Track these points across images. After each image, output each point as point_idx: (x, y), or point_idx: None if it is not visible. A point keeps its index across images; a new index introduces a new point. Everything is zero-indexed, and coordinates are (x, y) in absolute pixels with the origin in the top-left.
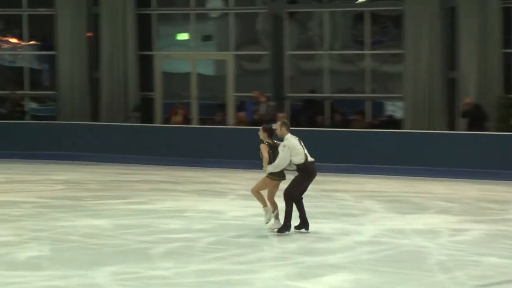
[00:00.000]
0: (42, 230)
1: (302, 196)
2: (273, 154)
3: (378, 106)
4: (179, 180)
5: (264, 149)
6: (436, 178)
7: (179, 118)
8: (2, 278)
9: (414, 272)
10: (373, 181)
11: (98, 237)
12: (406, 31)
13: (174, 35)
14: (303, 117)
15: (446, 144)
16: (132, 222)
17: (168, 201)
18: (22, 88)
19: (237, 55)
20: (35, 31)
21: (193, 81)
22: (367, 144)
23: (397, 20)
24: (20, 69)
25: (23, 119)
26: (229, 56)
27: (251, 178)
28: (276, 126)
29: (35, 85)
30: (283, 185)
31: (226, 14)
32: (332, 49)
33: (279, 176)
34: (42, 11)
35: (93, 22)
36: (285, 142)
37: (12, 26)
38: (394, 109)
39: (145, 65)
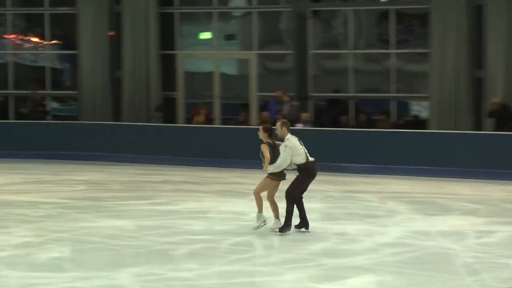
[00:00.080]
0: (63, 231)
1: (302, 196)
2: (274, 154)
3: (403, 106)
4: (201, 181)
5: (265, 149)
6: (462, 179)
7: (201, 118)
8: (23, 279)
9: (439, 275)
10: (397, 182)
11: (120, 238)
12: (432, 29)
13: (196, 34)
14: (327, 117)
15: (472, 144)
16: (154, 223)
17: (190, 202)
18: (43, 88)
19: (260, 54)
20: (56, 30)
21: (216, 81)
22: (392, 145)
23: (422, 18)
24: (42, 68)
25: (45, 119)
26: (252, 55)
27: None
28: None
29: (56, 84)
30: (283, 186)
31: (249, 12)
32: (356, 48)
33: (280, 176)
34: (64, 10)
35: (115, 21)
36: (286, 143)
37: (34, 25)
38: (420, 109)
39: (167, 64)
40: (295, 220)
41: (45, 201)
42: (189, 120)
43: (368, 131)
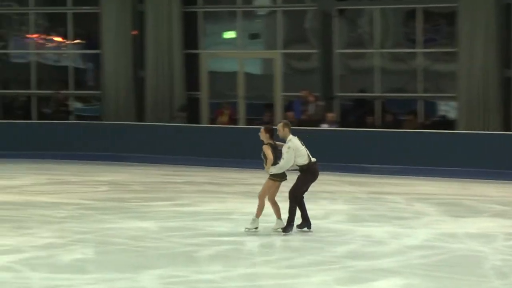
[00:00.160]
0: (86, 232)
1: (303, 196)
2: (275, 155)
3: (430, 106)
4: (225, 182)
5: (268, 150)
6: (491, 180)
7: (225, 118)
8: (47, 280)
9: (467, 278)
10: (425, 183)
11: (143, 239)
12: (460, 28)
13: (220, 33)
14: (353, 118)
15: (501, 145)
16: (177, 224)
17: (214, 203)
18: (66, 88)
19: (285, 54)
20: (79, 30)
21: (240, 81)
22: (419, 146)
23: (450, 17)
24: (65, 68)
25: (68, 119)
26: (277, 55)
27: None
28: (278, 127)
29: (79, 84)
30: (282, 186)
31: (274, 11)
32: (383, 47)
33: (282, 177)
34: (87, 9)
35: (138, 20)
36: (289, 144)
37: (56, 24)
38: (447, 109)
39: (191, 64)
40: (295, 220)
41: (68, 202)
42: (212, 120)
43: (394, 131)
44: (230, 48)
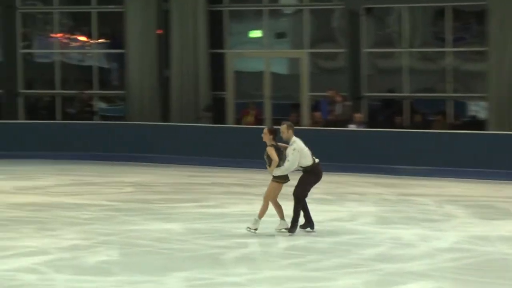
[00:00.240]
0: (111, 234)
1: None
2: (279, 157)
3: (460, 106)
4: (252, 183)
5: (272, 152)
6: None
7: (250, 118)
8: (71, 282)
9: (499, 281)
10: (455, 184)
11: (169, 241)
12: (490, 27)
13: (246, 33)
14: (381, 118)
15: None
16: (203, 226)
17: (241, 204)
18: (91, 88)
19: (312, 53)
20: (104, 29)
21: (266, 80)
22: (449, 146)
23: (480, 15)
24: (89, 68)
25: (92, 120)
26: (303, 54)
27: (329, 181)
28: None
29: (104, 84)
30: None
31: (301, 10)
32: (411, 46)
33: (285, 178)
34: (111, 8)
35: (163, 19)
36: (294, 146)
37: (81, 23)
38: (477, 109)
39: (217, 63)
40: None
41: (92, 203)
42: (238, 120)
43: (423, 132)
44: (256, 48)
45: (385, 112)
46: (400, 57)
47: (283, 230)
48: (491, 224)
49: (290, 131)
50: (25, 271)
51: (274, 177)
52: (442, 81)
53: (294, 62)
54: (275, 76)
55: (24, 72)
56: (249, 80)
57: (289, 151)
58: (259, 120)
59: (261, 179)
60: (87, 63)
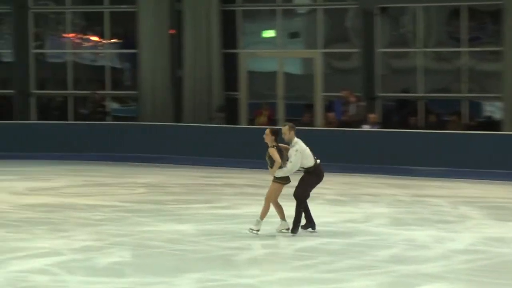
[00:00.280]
0: (124, 235)
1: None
2: (282, 158)
3: (475, 107)
4: (265, 184)
5: (275, 153)
6: None
7: (263, 119)
8: (83, 284)
9: None
10: (470, 186)
11: (181, 242)
12: (506, 27)
13: (259, 32)
14: (395, 118)
15: None
16: (216, 227)
17: (253, 205)
18: (103, 88)
19: (325, 53)
20: (116, 29)
21: (280, 80)
22: (464, 147)
23: (495, 15)
24: (101, 68)
25: (105, 120)
26: (317, 54)
27: (343, 182)
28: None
29: (116, 84)
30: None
31: (314, 10)
32: (426, 46)
33: (287, 180)
34: (124, 8)
35: (176, 19)
36: (296, 147)
37: (93, 23)
38: (493, 109)
39: (230, 63)
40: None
41: (105, 204)
42: (251, 121)
43: (438, 132)
44: (270, 48)
45: (399, 113)
46: (414, 57)
47: (284, 230)
48: (506, 225)
49: (292, 132)
50: (37, 272)
51: (276, 178)
52: (457, 81)
53: (307, 62)
54: (289, 76)
55: (36, 72)
56: (262, 80)
57: (291, 153)
58: (272, 121)
59: None
60: (99, 63)
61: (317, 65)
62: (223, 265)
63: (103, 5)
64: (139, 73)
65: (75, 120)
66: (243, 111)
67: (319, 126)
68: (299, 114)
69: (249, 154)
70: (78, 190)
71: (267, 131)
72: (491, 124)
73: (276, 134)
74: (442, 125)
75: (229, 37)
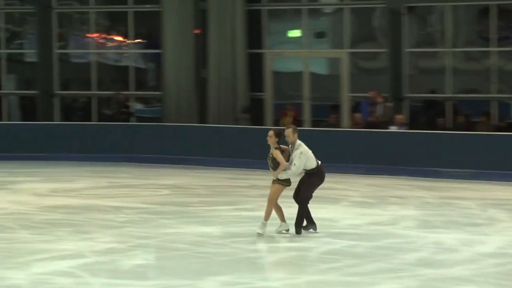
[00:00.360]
0: (148, 237)
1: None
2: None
3: (505, 108)
4: (291, 186)
5: (280, 155)
6: None
7: (288, 120)
8: (106, 286)
9: None
10: (499, 188)
11: (206, 245)
12: None
13: (285, 32)
14: (423, 119)
15: None
16: (241, 229)
17: None
18: (127, 88)
19: (352, 53)
20: (140, 29)
21: (305, 81)
22: (493, 149)
23: None
24: (125, 68)
25: (129, 121)
26: (343, 54)
27: (369, 184)
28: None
29: (140, 85)
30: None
31: (341, 9)
32: (454, 46)
33: (288, 181)
34: (148, 7)
35: (201, 19)
36: (300, 149)
37: (117, 23)
38: None
39: (255, 63)
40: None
41: (128, 206)
42: (277, 122)
43: (467, 134)
44: (295, 47)
45: (427, 114)
46: (442, 57)
47: (284, 231)
48: None
49: (296, 135)
50: (61, 274)
51: (279, 180)
52: (486, 81)
53: (334, 62)
54: (314, 76)
55: (60, 72)
56: (288, 81)
57: (295, 155)
58: (297, 122)
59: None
60: (123, 63)
61: (343, 65)
62: (248, 268)
63: (127, 5)
64: (163, 74)
65: (99, 121)
66: (268, 112)
67: (346, 127)
68: (325, 115)
69: None
70: (102, 192)
71: (271, 133)
72: None
73: (279, 136)
74: (470, 126)
75: (254, 37)
